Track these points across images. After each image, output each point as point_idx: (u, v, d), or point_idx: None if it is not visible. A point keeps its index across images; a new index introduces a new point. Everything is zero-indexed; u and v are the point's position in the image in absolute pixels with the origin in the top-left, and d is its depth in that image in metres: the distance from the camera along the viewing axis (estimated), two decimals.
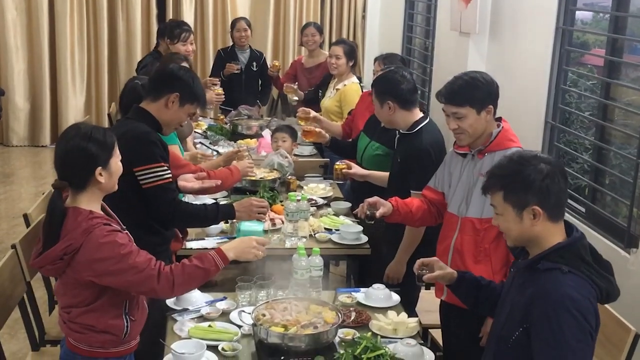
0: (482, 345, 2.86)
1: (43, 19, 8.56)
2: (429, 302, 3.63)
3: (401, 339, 2.85)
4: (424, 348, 2.83)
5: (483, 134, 2.99)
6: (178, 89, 3.15)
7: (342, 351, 2.70)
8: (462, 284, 2.62)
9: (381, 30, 8.71)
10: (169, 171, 3.13)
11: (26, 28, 8.66)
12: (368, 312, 3.12)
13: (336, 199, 4.54)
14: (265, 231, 3.87)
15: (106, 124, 7.47)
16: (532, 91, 4.74)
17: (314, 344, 2.71)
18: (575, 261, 2.19)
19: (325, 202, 4.46)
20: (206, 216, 3.29)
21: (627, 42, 4.14)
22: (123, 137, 2.76)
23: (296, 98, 6.21)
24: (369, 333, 2.89)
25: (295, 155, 5.17)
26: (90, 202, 2.45)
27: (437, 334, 3.55)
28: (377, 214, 3.17)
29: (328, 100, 5.68)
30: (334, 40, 8.10)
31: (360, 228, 3.92)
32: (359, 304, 3.21)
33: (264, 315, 2.83)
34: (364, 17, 9.16)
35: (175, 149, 3.76)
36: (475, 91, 2.94)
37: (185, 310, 3.08)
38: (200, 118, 6.11)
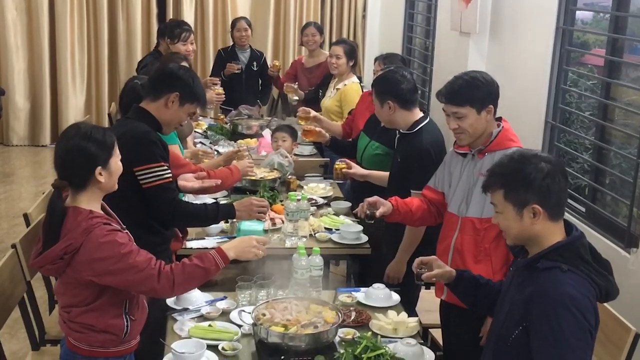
0: (482, 345, 2.85)
1: (43, 18, 8.56)
2: (429, 302, 3.63)
3: (401, 338, 2.85)
4: (424, 348, 2.83)
5: (483, 133, 2.99)
6: (178, 89, 3.15)
7: (342, 351, 2.70)
8: (461, 283, 2.63)
9: (381, 30, 8.71)
10: (169, 171, 3.13)
11: (26, 28, 8.66)
12: (368, 311, 3.12)
13: (336, 198, 4.54)
14: (266, 231, 3.87)
15: (106, 124, 7.47)
16: (533, 91, 4.74)
17: (314, 344, 2.70)
18: (575, 260, 2.19)
19: (326, 201, 4.46)
20: (206, 216, 3.29)
21: (628, 42, 4.14)
22: (123, 136, 2.76)
23: (296, 98, 6.22)
24: (369, 333, 2.89)
25: (295, 155, 5.17)
26: (90, 202, 2.45)
27: (437, 334, 3.55)
28: (377, 213, 3.17)
29: (328, 100, 5.68)
30: (334, 40, 8.10)
31: (361, 228, 3.92)
32: (359, 303, 3.21)
33: (264, 314, 2.83)
34: (364, 16, 9.16)
35: (175, 148, 3.76)
36: (476, 91, 2.94)
37: (186, 309, 3.08)
38: (201, 118, 6.11)
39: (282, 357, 2.66)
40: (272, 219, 3.97)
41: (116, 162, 2.50)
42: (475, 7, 5.28)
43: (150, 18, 8.86)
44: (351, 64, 5.62)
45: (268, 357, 2.68)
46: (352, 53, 5.62)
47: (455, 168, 3.11)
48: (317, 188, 4.60)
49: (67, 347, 2.54)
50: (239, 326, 2.94)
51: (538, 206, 2.21)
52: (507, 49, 5.14)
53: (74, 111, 8.82)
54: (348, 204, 4.35)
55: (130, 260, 2.40)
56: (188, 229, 3.76)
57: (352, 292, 3.29)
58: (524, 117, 4.64)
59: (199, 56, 8.80)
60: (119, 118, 3.92)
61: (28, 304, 3.41)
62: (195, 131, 5.63)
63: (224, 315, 3.06)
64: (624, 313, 2.84)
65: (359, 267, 3.96)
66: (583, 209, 4.24)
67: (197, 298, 3.14)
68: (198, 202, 3.70)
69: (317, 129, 4.80)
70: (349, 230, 3.90)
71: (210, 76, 6.58)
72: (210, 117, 6.54)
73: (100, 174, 2.42)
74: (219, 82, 6.14)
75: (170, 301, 3.10)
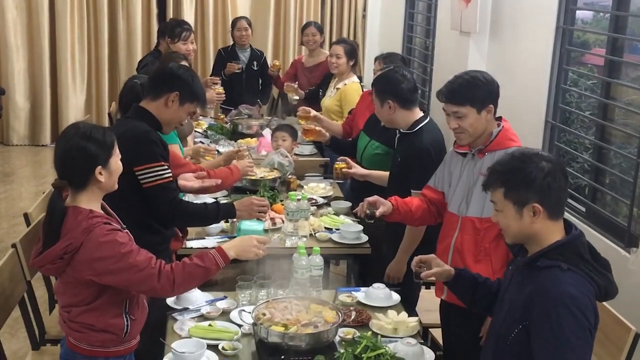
0: (482, 345, 2.85)
1: (43, 18, 8.56)
2: (429, 302, 3.63)
3: (401, 338, 2.85)
4: (424, 347, 2.83)
5: (483, 133, 2.99)
6: (178, 88, 3.15)
7: (342, 350, 2.70)
8: (459, 281, 2.63)
9: (381, 30, 8.71)
10: (169, 170, 3.13)
11: (26, 27, 8.66)
12: (368, 311, 3.12)
13: (336, 198, 4.54)
14: (266, 230, 3.87)
15: (106, 123, 7.47)
16: (533, 90, 4.74)
17: (314, 343, 2.70)
18: (575, 259, 2.19)
19: (326, 201, 4.46)
20: (207, 215, 3.29)
21: (628, 42, 4.14)
22: (123, 136, 2.76)
23: (296, 97, 6.21)
24: (369, 332, 2.89)
25: (295, 154, 5.18)
26: (90, 201, 2.45)
27: (437, 334, 3.55)
28: (377, 213, 3.17)
29: (328, 100, 5.68)
30: (334, 39, 8.09)
31: (361, 227, 3.92)
32: (359, 303, 3.21)
33: (264, 314, 2.83)
34: (364, 16, 9.16)
35: (175, 148, 3.76)
36: (476, 90, 2.94)
37: (186, 309, 3.08)
38: (201, 117, 6.11)
39: (282, 357, 2.66)
40: (272, 219, 3.97)
41: (116, 162, 2.50)
42: (475, 7, 5.28)
43: (151, 17, 8.86)
44: (351, 63, 5.62)
45: (268, 356, 2.68)
46: (353, 52, 5.63)
47: (455, 168, 3.11)
48: (317, 188, 4.60)
49: (67, 346, 2.54)
50: (239, 326, 2.94)
51: (538, 205, 2.21)
52: (507, 48, 5.14)
53: (74, 111, 8.82)
54: (348, 204, 4.35)
55: (130, 260, 2.40)
56: (188, 228, 3.76)
57: (352, 292, 3.29)
58: (524, 117, 4.63)
59: (199, 56, 8.80)
60: (119, 117, 3.92)
61: (28, 304, 3.41)
62: (195, 131, 5.63)
63: (224, 314, 3.06)
64: (624, 313, 2.84)
65: (359, 266, 3.95)
66: (583, 209, 4.24)
67: (197, 298, 3.14)
68: (198, 201, 3.70)
69: (317, 128, 4.80)
70: (349, 230, 3.90)
71: (211, 76, 6.58)
72: (211, 117, 6.53)
73: (100, 173, 2.42)
74: (220, 81, 6.14)
75: (170, 301, 3.10)
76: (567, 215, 2.65)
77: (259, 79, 6.93)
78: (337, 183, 4.74)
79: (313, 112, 5.06)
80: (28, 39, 8.68)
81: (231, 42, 7.05)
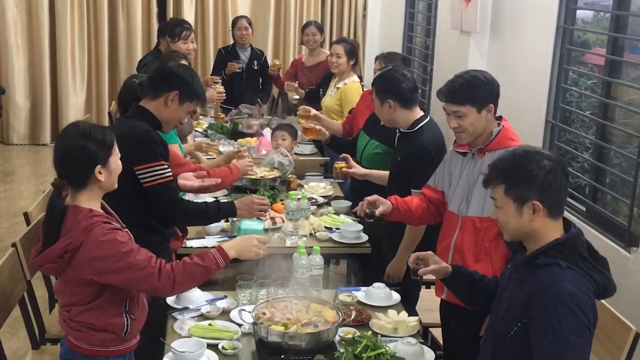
0: (481, 344, 2.85)
1: (43, 17, 8.56)
2: (429, 301, 3.63)
3: (401, 337, 2.85)
4: (424, 347, 2.83)
5: (483, 132, 2.98)
6: (177, 87, 3.15)
7: (342, 350, 2.70)
8: (457, 279, 2.64)
9: (382, 29, 8.71)
10: (170, 169, 3.13)
11: (27, 26, 8.66)
12: (368, 311, 3.12)
13: (336, 197, 4.54)
14: (266, 230, 3.87)
15: (107, 123, 7.47)
16: (533, 90, 4.74)
17: (314, 343, 2.70)
18: (574, 257, 2.20)
19: (326, 200, 4.46)
20: (207, 214, 3.28)
21: (628, 41, 4.14)
22: (123, 135, 2.76)
23: (297, 97, 6.21)
24: (370, 332, 2.89)
25: (295, 154, 5.18)
26: (90, 201, 2.45)
27: (437, 333, 3.55)
28: (377, 212, 3.17)
29: (329, 99, 5.68)
30: (334, 39, 8.09)
31: (361, 227, 3.92)
32: (359, 302, 3.21)
33: (264, 313, 2.82)
34: (364, 15, 9.16)
35: (175, 147, 3.76)
36: (476, 90, 2.94)
37: (186, 308, 3.08)
38: (201, 117, 6.11)
39: (282, 357, 2.66)
40: (272, 218, 3.97)
41: (116, 161, 2.50)
42: (475, 6, 5.28)
43: (151, 17, 8.86)
44: (352, 63, 5.62)
45: (268, 356, 2.68)
46: (353, 52, 5.63)
47: (455, 167, 3.11)
48: (318, 187, 4.60)
49: (67, 346, 2.54)
50: (239, 325, 2.94)
51: (538, 203, 2.21)
52: (508, 48, 5.14)
53: (74, 110, 8.82)
54: (348, 203, 4.35)
55: (130, 259, 2.40)
56: (188, 227, 3.76)
57: (353, 291, 3.29)
58: (525, 116, 4.63)
59: (199, 55, 8.80)
60: (119, 117, 3.92)
61: (28, 303, 3.42)
62: (195, 130, 5.63)
63: (224, 314, 3.06)
64: (624, 312, 2.84)
65: (359, 266, 3.95)
66: (583, 208, 4.24)
67: (197, 297, 3.14)
68: (198, 200, 3.70)
69: (318, 127, 4.80)
70: (349, 230, 3.90)
71: (211, 75, 6.58)
72: (211, 116, 6.54)
73: (99, 172, 2.42)
74: (220, 80, 6.14)
75: (170, 300, 3.10)
76: (567, 214, 2.65)
77: (259, 78, 6.92)
78: (337, 182, 4.73)
79: (313, 112, 5.06)
80: (28, 38, 8.68)
81: (231, 42, 7.05)
